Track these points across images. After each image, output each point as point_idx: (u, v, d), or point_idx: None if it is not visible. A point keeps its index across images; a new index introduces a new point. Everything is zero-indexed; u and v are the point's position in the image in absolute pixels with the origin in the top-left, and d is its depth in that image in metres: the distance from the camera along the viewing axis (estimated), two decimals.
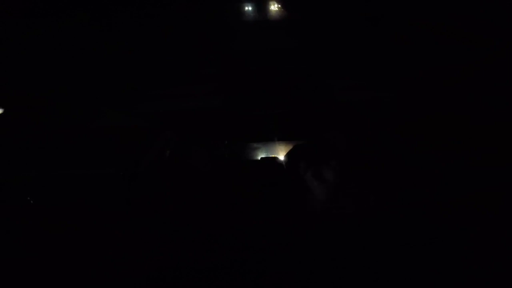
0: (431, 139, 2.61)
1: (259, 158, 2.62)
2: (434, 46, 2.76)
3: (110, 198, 2.29)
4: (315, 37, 2.90)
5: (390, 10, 2.78)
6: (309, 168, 2.16)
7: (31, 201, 2.34)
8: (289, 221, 1.97)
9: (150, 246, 1.91)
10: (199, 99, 2.97)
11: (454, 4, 2.68)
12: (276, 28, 2.93)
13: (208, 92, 2.98)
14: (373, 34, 2.83)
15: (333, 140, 2.40)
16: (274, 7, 2.92)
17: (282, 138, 2.89)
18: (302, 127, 2.86)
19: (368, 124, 2.72)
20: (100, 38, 2.80)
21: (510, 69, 2.61)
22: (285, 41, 2.95)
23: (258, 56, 2.93)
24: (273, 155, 2.64)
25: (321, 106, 2.86)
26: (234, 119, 2.93)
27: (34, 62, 2.76)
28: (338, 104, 2.85)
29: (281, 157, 2.46)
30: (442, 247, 1.90)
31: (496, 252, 1.89)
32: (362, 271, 1.78)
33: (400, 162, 2.45)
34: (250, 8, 2.96)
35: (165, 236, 1.95)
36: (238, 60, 2.97)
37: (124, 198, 2.29)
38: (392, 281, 1.77)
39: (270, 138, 2.91)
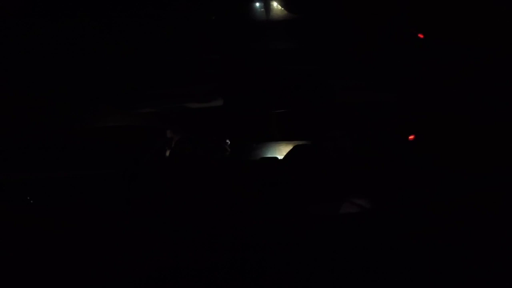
0: (431, 139, 2.61)
1: (259, 158, 2.62)
2: (434, 46, 2.76)
3: (110, 198, 2.29)
4: (315, 37, 2.90)
5: (390, 10, 2.78)
6: (311, 168, 2.16)
7: (31, 201, 2.34)
8: (289, 221, 1.97)
9: (150, 246, 1.91)
10: (199, 99, 2.97)
11: (454, 4, 2.68)
12: (276, 28, 2.93)
13: (208, 92, 2.98)
14: (373, 34, 2.83)
15: (339, 139, 2.40)
16: (274, 7, 2.92)
17: (282, 138, 2.89)
18: (302, 127, 2.86)
19: (368, 124, 2.72)
20: (100, 38, 2.80)
21: (510, 69, 2.61)
22: (285, 41, 2.95)
23: (258, 56, 2.93)
24: (273, 155, 2.64)
25: (321, 106, 2.86)
26: (234, 119, 2.93)
27: (34, 62, 2.76)
28: (339, 104, 2.86)
29: (281, 157, 2.46)
30: (442, 247, 1.90)
31: (496, 252, 1.89)
32: (362, 271, 1.78)
33: (400, 162, 2.45)
34: (250, 8, 2.96)
35: (165, 236, 1.94)
36: (238, 60, 2.97)
37: (124, 198, 2.29)
38: (392, 281, 1.76)
39: (270, 138, 2.91)
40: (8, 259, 1.93)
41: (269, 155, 2.69)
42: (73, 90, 2.83)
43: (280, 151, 2.69)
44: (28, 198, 2.35)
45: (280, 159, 2.44)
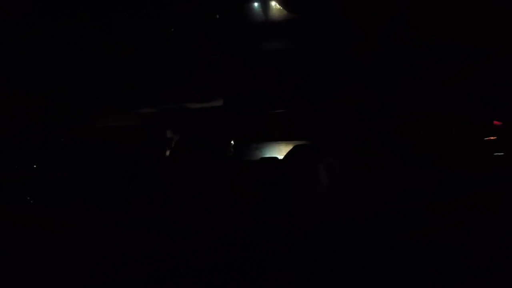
0: (431, 139, 2.61)
1: (259, 158, 2.62)
2: (434, 46, 2.76)
3: (110, 198, 2.29)
4: (315, 37, 2.90)
5: (390, 10, 2.78)
6: (311, 168, 2.16)
7: (31, 201, 2.34)
8: (289, 221, 1.97)
9: (150, 246, 1.91)
10: (199, 99, 2.97)
11: (454, 4, 2.68)
12: (276, 28, 2.92)
13: (208, 92, 2.98)
14: (373, 34, 2.83)
15: (339, 139, 2.40)
16: (274, 7, 2.92)
17: (282, 138, 2.89)
18: (302, 127, 2.86)
19: (368, 124, 2.72)
20: (100, 38, 2.80)
21: (510, 69, 2.61)
22: (285, 41, 2.95)
23: (258, 56, 2.93)
24: (273, 155, 2.64)
25: (321, 106, 2.86)
26: (234, 119, 2.93)
27: (34, 62, 2.76)
28: (339, 104, 2.86)
29: (281, 157, 2.46)
30: (442, 247, 1.90)
31: (496, 252, 1.89)
32: (362, 271, 1.78)
33: (400, 162, 2.45)
34: (250, 8, 2.96)
35: (165, 236, 1.95)
36: (238, 60, 2.96)
37: (124, 198, 2.29)
38: (392, 281, 1.76)
39: (270, 138, 2.91)
40: (8, 259, 1.94)
41: (269, 155, 2.69)
42: (73, 90, 2.83)
43: (280, 151, 2.69)
44: (28, 198, 2.35)
45: (280, 159, 2.44)
